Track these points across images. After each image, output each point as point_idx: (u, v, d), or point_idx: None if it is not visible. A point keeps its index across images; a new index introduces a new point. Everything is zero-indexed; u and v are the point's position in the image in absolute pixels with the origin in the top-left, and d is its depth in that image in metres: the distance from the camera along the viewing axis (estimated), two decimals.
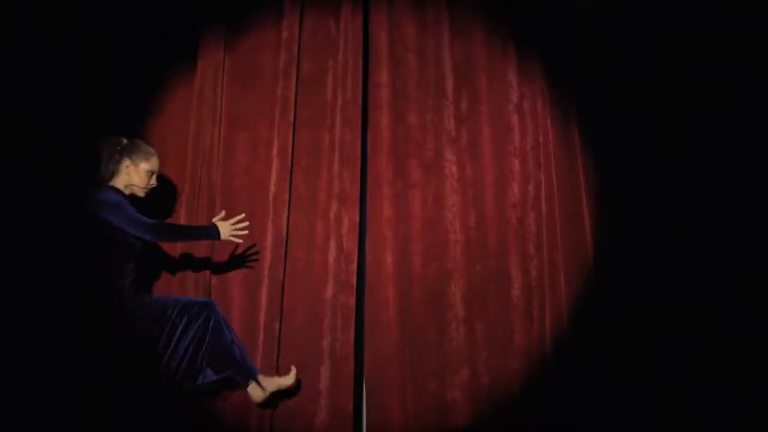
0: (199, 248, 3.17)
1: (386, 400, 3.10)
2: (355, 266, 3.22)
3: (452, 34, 3.48)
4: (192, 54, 3.39)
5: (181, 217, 3.23)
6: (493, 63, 3.48)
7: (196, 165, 3.27)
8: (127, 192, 2.79)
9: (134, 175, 2.78)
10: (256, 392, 2.79)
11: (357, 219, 3.26)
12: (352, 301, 3.18)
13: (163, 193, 3.12)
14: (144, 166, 2.79)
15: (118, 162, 2.78)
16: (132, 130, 3.31)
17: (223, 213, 2.89)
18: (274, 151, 3.27)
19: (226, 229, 2.81)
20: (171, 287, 3.19)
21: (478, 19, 3.50)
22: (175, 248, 3.18)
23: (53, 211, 3.17)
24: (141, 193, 2.81)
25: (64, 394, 2.83)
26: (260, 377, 2.81)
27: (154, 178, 2.83)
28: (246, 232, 2.88)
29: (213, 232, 2.81)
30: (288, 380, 2.85)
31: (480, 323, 3.24)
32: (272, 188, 3.25)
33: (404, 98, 3.40)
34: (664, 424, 3.09)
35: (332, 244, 3.24)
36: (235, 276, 3.20)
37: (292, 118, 3.32)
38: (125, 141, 2.83)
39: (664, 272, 3.29)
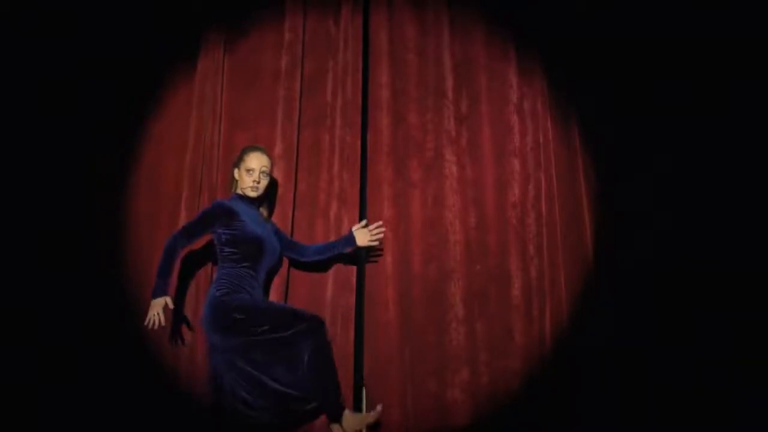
0: (200, 246, 3.17)
1: (386, 400, 3.10)
2: (355, 266, 3.22)
3: (452, 34, 3.49)
4: (192, 54, 3.39)
5: (181, 217, 3.23)
6: (493, 63, 3.48)
7: (196, 165, 3.27)
8: (248, 195, 2.87)
9: (240, 180, 2.88)
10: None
11: (357, 219, 3.25)
12: (352, 301, 3.18)
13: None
14: (243, 166, 2.87)
15: (232, 173, 2.93)
16: (132, 130, 3.33)
17: (364, 222, 3.05)
18: (278, 152, 3.26)
19: (364, 236, 3.02)
20: (171, 285, 3.18)
21: (478, 19, 3.50)
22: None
23: (53, 209, 3.18)
24: (251, 193, 2.86)
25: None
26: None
27: (256, 174, 2.85)
28: (381, 236, 3.04)
29: (350, 240, 3.02)
30: (373, 417, 2.80)
31: (480, 323, 3.24)
32: (278, 189, 3.24)
33: (404, 98, 3.40)
34: (664, 424, 3.09)
35: None
36: None
37: (296, 118, 3.32)
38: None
39: (664, 272, 3.29)
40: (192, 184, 3.25)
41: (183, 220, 3.21)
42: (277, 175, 3.24)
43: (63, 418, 3.01)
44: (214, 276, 2.82)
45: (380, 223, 3.04)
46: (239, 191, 2.89)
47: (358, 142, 3.33)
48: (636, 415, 3.11)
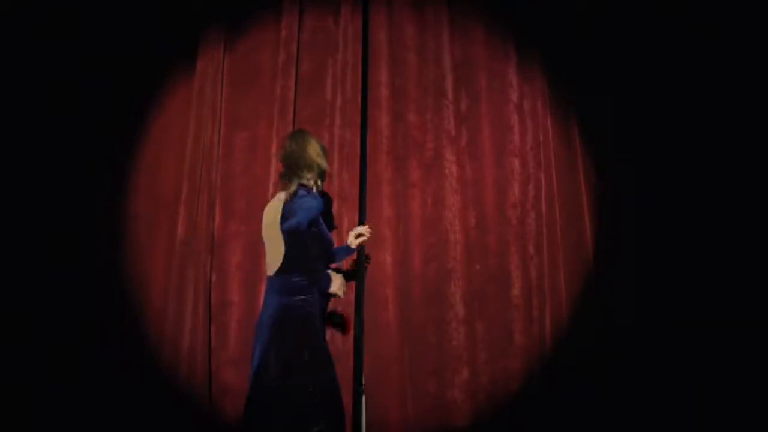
0: (200, 245, 3.18)
1: (386, 400, 3.10)
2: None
3: (452, 34, 3.48)
4: (192, 53, 3.39)
5: (180, 217, 3.23)
6: (493, 63, 3.48)
7: (195, 164, 3.27)
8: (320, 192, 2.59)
9: (319, 177, 2.55)
10: None
11: (357, 218, 3.24)
12: (352, 300, 3.17)
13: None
14: (325, 167, 2.58)
15: (311, 162, 2.52)
16: (132, 130, 3.33)
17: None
18: (274, 151, 3.26)
19: (352, 238, 2.74)
20: (170, 284, 3.19)
21: (478, 19, 3.50)
22: (173, 242, 3.19)
23: (53, 209, 3.18)
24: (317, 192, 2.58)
25: None
26: None
27: None
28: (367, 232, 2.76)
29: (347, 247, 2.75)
30: None
31: (480, 323, 3.23)
32: (271, 188, 3.24)
33: (404, 98, 3.40)
34: (664, 424, 3.09)
35: None
36: (235, 275, 3.20)
37: (291, 117, 3.32)
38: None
39: (664, 272, 3.28)
40: (191, 183, 3.26)
41: (182, 219, 3.22)
42: (274, 174, 3.23)
43: (62, 418, 3.01)
44: (284, 281, 2.42)
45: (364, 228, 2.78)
46: (315, 187, 2.53)
47: (358, 141, 3.31)
48: (636, 415, 3.10)
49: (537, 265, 3.30)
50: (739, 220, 3.26)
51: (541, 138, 3.43)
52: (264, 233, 2.53)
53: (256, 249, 3.19)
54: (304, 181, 2.50)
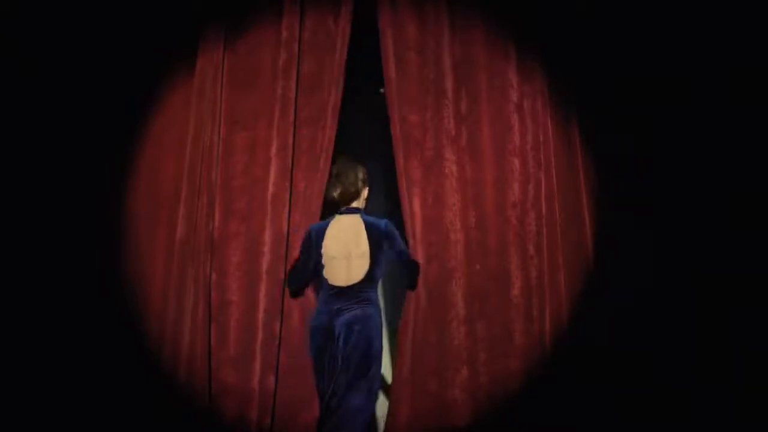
0: (199, 245, 3.17)
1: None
2: None
3: (452, 34, 3.47)
4: (192, 53, 3.39)
5: (180, 216, 3.23)
6: (493, 62, 3.47)
7: (195, 164, 3.27)
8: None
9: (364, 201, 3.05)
10: None
11: None
12: None
13: None
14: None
15: (365, 190, 3.07)
16: (131, 129, 3.33)
17: None
18: (273, 151, 3.26)
19: None
20: (170, 283, 3.19)
21: (478, 19, 3.49)
22: (173, 242, 3.19)
23: (52, 209, 3.18)
24: None
25: None
26: None
27: None
28: None
29: None
30: None
31: (480, 323, 3.23)
32: (271, 188, 3.24)
33: (404, 97, 3.40)
34: (663, 425, 3.09)
35: None
36: (235, 275, 3.19)
37: (291, 117, 3.31)
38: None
39: (664, 272, 3.29)
40: (191, 183, 3.25)
41: (182, 218, 3.22)
42: (273, 174, 3.23)
43: (62, 418, 3.01)
44: (367, 293, 2.90)
45: None
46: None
47: None
48: (636, 416, 3.10)
49: (537, 265, 3.29)
50: (740, 219, 3.26)
51: (541, 138, 3.42)
52: (340, 252, 2.91)
53: (255, 249, 3.19)
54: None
